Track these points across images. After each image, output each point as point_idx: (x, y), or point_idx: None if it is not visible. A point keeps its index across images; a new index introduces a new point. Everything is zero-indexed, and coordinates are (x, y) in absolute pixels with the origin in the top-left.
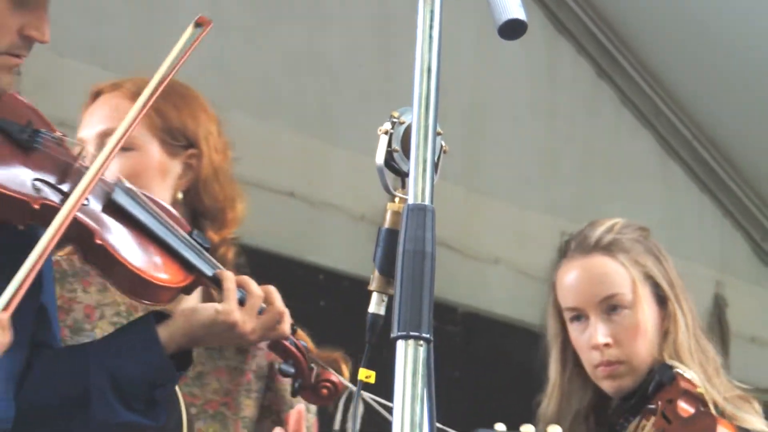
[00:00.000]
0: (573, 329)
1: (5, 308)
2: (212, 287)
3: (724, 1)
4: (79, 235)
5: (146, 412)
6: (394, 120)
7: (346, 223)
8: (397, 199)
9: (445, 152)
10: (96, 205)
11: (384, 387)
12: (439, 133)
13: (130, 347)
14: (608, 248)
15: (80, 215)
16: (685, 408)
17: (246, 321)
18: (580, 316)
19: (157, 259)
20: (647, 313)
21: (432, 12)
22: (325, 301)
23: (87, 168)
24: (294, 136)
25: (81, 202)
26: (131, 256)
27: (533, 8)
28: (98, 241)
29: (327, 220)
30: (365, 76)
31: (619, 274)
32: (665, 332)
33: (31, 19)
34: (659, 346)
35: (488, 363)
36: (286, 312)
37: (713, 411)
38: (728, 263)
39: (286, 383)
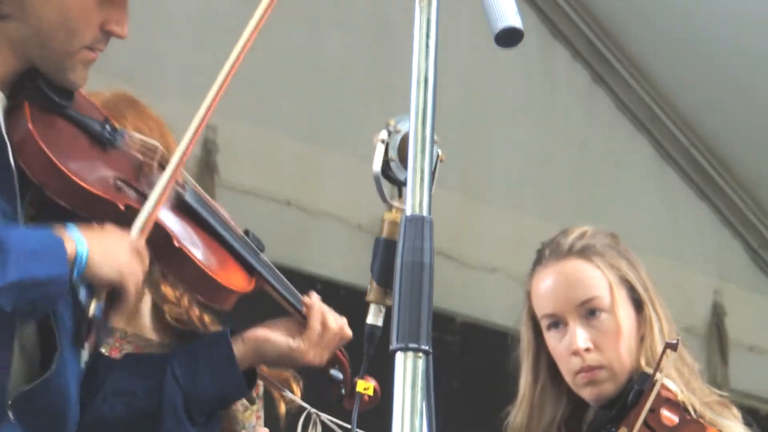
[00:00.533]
0: (550, 337)
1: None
2: (275, 295)
3: (720, 7)
4: (155, 236)
5: (205, 425)
6: (391, 128)
7: (343, 232)
8: (393, 209)
9: (441, 161)
10: (168, 206)
11: (384, 398)
12: (435, 142)
13: (207, 365)
14: (583, 252)
15: (159, 217)
16: (668, 416)
17: (317, 355)
18: (558, 323)
19: (225, 261)
20: (625, 316)
21: (428, 21)
22: None
23: (160, 167)
24: (290, 145)
25: (161, 204)
26: (204, 258)
27: (528, 13)
28: (176, 244)
29: (323, 229)
30: (361, 84)
31: (595, 278)
32: (641, 337)
33: (114, 14)
34: (636, 351)
35: (487, 373)
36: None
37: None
38: (726, 271)
39: (238, 403)
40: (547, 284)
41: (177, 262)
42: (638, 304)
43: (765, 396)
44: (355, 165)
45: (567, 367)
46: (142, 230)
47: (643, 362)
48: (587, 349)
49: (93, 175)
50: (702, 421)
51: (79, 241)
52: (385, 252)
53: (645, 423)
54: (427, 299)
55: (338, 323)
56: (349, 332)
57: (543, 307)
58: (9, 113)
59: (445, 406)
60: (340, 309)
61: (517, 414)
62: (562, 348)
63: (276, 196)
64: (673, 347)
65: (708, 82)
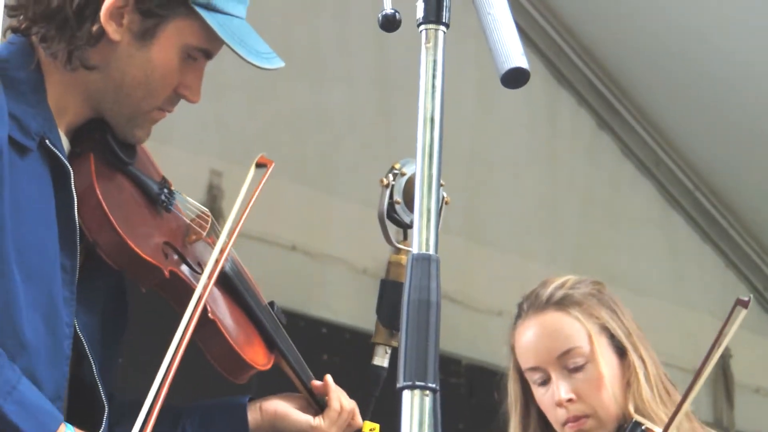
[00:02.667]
0: (537, 392)
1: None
2: (291, 373)
3: (725, 52)
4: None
5: None
6: (396, 171)
7: (348, 276)
8: (399, 251)
9: (446, 203)
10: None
11: None
12: (441, 185)
13: (218, 429)
14: (561, 303)
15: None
16: None
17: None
18: (544, 379)
19: (250, 336)
20: (607, 364)
21: (435, 62)
22: (328, 354)
23: (204, 236)
24: (296, 191)
25: (211, 284)
26: (233, 332)
27: (534, 59)
28: (210, 316)
29: (329, 273)
30: (365, 129)
31: (574, 328)
32: (627, 383)
33: (188, 78)
34: (623, 397)
35: (492, 415)
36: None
37: None
38: None
39: None
40: (527, 337)
41: (207, 332)
42: (621, 351)
43: None
44: (359, 210)
45: (554, 418)
46: (194, 307)
47: (631, 408)
48: (570, 400)
49: (145, 239)
50: None
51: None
52: (390, 293)
53: None
54: (434, 337)
55: (351, 405)
56: (359, 416)
57: (525, 360)
58: (70, 160)
59: None
60: (345, 352)
61: None
62: (547, 400)
63: (281, 241)
64: (744, 304)
65: (712, 126)
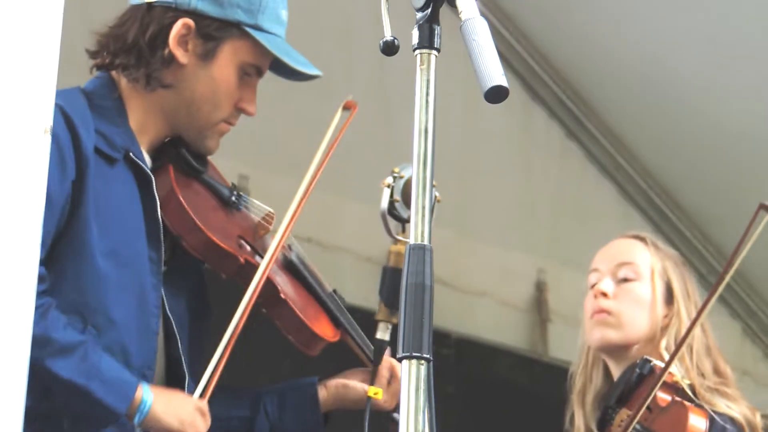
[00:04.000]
0: (588, 295)
1: (202, 395)
2: (355, 347)
3: (675, 72)
4: (266, 288)
5: None
6: (395, 174)
7: (355, 264)
8: (398, 242)
9: (438, 201)
10: (278, 265)
11: None
12: (434, 186)
13: (294, 406)
14: (645, 240)
15: (270, 273)
16: (662, 397)
17: (387, 400)
18: (598, 280)
19: (318, 314)
20: (651, 294)
21: (428, 81)
22: None
23: (272, 231)
24: (311, 191)
25: (272, 263)
26: (302, 309)
27: (511, 79)
28: (282, 296)
29: (339, 262)
30: (370, 139)
31: (642, 255)
32: (665, 326)
33: (247, 94)
34: (650, 329)
35: (477, 380)
36: None
37: (693, 398)
38: None
39: None
40: (604, 248)
41: (281, 310)
42: (670, 300)
43: None
44: (365, 208)
45: (588, 311)
46: (256, 286)
47: (662, 348)
48: (605, 294)
49: (222, 232)
50: (692, 403)
51: (147, 392)
52: (391, 278)
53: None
54: (428, 315)
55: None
56: None
57: (592, 264)
58: (153, 172)
59: (442, 409)
60: None
61: (576, 381)
62: (590, 296)
63: (299, 234)
64: (767, 208)
65: (664, 136)
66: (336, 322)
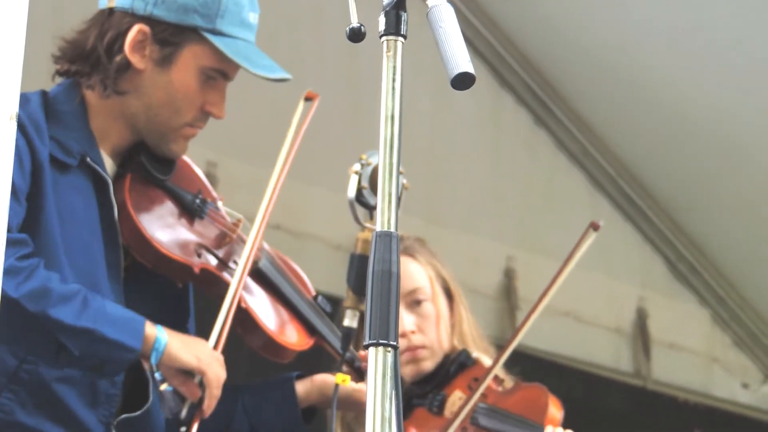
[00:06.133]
0: None
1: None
2: (333, 352)
3: (641, 61)
4: (236, 315)
5: None
6: (363, 162)
7: (324, 251)
8: (366, 229)
9: (406, 189)
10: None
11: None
12: (401, 172)
13: (272, 402)
14: (406, 251)
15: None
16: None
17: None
18: None
19: (288, 322)
20: (443, 305)
21: (395, 67)
22: None
23: (240, 237)
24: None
25: (246, 273)
26: (268, 320)
27: (479, 65)
28: (243, 305)
29: (308, 249)
30: (338, 126)
31: (419, 274)
32: (453, 324)
33: (213, 97)
34: (449, 335)
35: None
36: None
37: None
38: (648, 281)
39: None
40: None
41: (244, 321)
42: (449, 296)
43: (682, 384)
44: (333, 195)
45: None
46: (231, 300)
47: (456, 343)
48: (412, 332)
49: (174, 241)
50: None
51: (161, 332)
52: (359, 265)
53: (468, 387)
54: (394, 302)
55: None
56: None
57: None
58: (115, 180)
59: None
60: None
61: None
62: None
63: (268, 222)
64: (596, 228)
65: (632, 123)
66: (311, 330)
